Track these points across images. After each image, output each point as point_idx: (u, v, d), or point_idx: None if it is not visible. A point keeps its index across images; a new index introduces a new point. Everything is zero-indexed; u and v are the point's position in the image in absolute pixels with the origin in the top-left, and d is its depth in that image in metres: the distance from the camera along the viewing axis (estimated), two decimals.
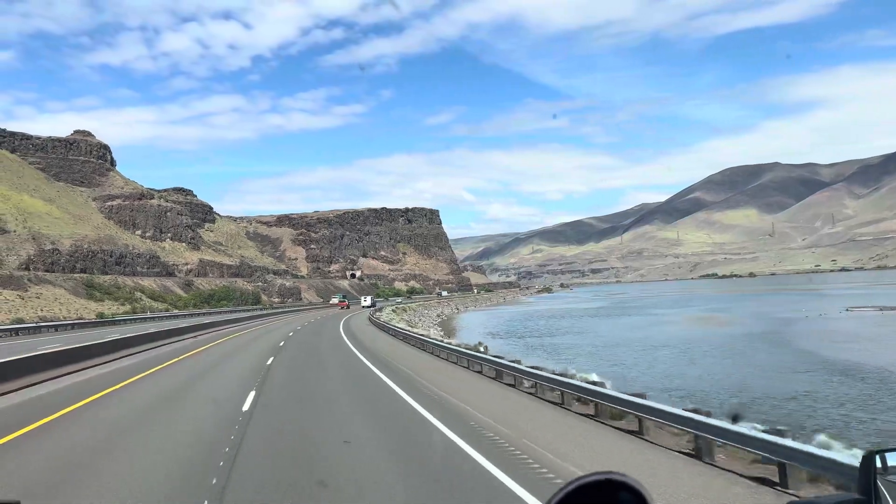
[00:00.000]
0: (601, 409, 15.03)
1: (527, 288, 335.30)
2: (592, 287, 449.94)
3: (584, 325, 72.20)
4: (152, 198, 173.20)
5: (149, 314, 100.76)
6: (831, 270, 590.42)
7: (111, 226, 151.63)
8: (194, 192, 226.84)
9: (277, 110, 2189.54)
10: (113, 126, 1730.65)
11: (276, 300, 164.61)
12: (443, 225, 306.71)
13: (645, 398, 13.38)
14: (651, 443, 12.18)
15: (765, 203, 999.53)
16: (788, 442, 9.28)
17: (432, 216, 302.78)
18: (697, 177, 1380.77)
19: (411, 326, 49.92)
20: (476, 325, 78.46)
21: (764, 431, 10.06)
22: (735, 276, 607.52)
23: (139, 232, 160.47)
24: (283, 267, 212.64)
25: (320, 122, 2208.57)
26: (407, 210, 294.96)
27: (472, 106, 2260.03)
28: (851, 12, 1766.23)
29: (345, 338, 41.58)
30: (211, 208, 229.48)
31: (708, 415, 11.34)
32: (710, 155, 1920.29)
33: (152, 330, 40.98)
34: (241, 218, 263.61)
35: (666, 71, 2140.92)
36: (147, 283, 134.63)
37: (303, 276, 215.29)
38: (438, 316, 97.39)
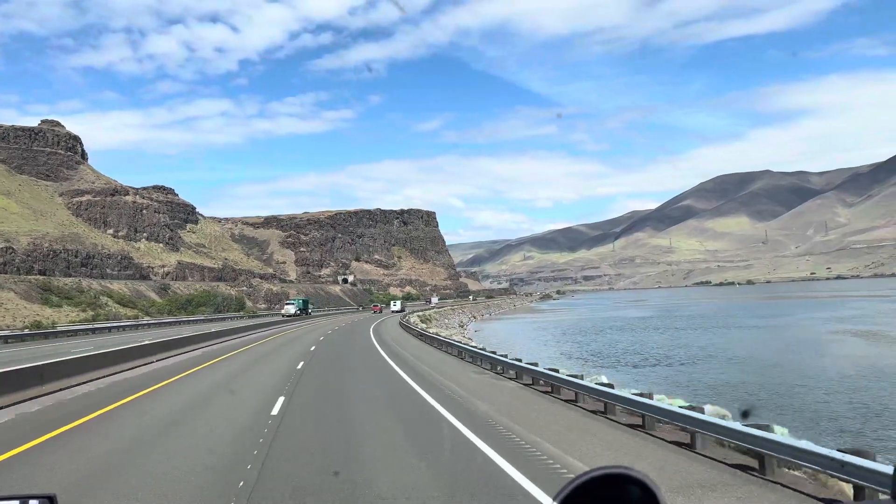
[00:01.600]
0: None
1: (528, 295, 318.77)
2: (591, 294, 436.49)
3: (695, 341, 52.47)
4: (127, 194, 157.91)
5: (102, 324, 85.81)
6: (827, 278, 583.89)
7: (78, 223, 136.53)
8: (176, 191, 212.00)
9: (265, 115, 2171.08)
10: (98, 130, 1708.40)
11: (263, 306, 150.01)
12: (439, 228, 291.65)
13: None
14: None
15: (756, 210, 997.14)
16: None
17: (429, 218, 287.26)
18: (687, 185, 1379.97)
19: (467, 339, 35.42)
20: (530, 342, 59.32)
21: None
22: (731, 283, 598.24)
23: (111, 231, 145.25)
24: (271, 271, 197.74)
25: (309, 127, 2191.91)
26: (402, 212, 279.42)
27: (462, 112, 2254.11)
28: (841, 21, 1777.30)
29: (385, 354, 27.56)
30: (194, 208, 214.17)
31: None
32: (700, 163, 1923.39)
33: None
34: (227, 219, 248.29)
35: (656, 79, 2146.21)
36: (116, 286, 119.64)
37: (291, 281, 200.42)
38: (461, 326, 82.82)
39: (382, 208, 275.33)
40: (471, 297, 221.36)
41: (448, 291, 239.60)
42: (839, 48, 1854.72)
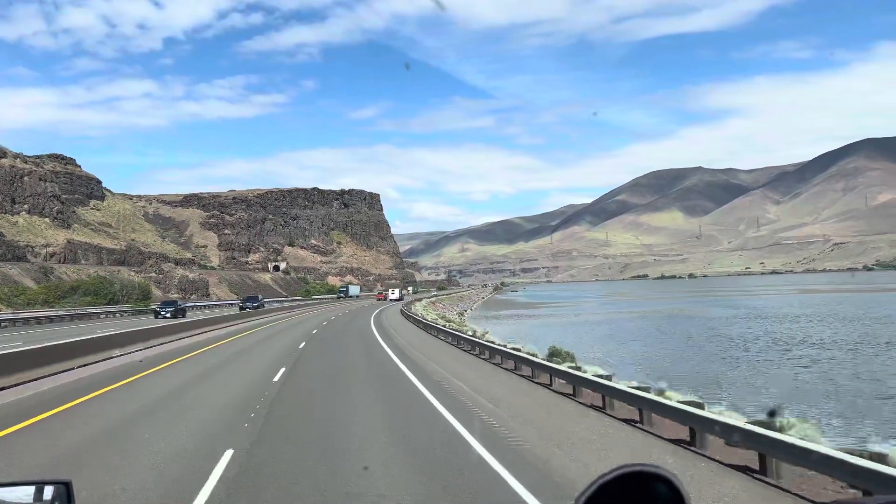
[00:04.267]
0: None
1: (484, 286, 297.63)
2: (537, 286, 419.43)
3: None
4: (4, 156, 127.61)
5: None
6: (762, 273, 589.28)
7: None
8: (77, 162, 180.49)
9: (192, 97, 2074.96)
10: (9, 108, 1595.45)
11: (176, 296, 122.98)
12: (384, 211, 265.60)
13: None
14: None
15: (689, 206, 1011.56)
16: None
17: (372, 201, 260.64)
18: (620, 181, 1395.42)
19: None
20: (667, 371, 31.03)
21: None
22: (672, 276, 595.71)
23: None
24: (189, 255, 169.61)
25: (238, 111, 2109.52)
26: (342, 192, 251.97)
27: (398, 102, 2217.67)
28: (768, 23, 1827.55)
29: None
30: (99, 182, 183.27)
31: None
32: (632, 160, 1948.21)
33: None
34: (140, 196, 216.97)
35: (591, 75, 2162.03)
36: None
37: (213, 267, 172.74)
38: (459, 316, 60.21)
39: (321, 188, 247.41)
40: (409, 290, 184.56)
41: (394, 281, 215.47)
42: (765, 50, 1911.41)
